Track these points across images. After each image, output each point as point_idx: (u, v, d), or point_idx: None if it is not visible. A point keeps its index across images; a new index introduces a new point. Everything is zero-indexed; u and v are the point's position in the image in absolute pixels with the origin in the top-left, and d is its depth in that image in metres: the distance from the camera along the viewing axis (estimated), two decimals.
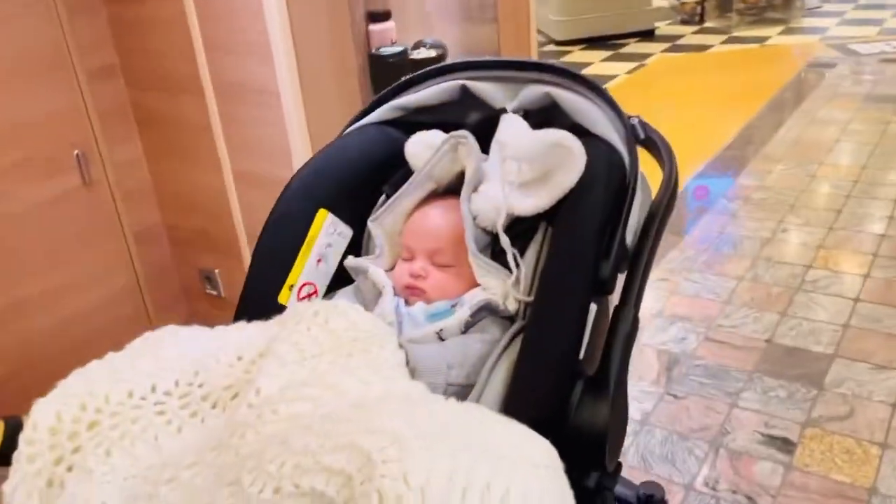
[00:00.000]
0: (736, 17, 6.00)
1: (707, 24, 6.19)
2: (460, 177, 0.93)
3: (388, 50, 2.07)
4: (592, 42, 5.88)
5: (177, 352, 0.77)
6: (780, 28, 5.82)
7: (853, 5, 6.33)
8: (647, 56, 5.45)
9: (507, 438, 0.59)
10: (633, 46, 5.78)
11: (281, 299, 0.93)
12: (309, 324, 0.77)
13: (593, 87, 0.88)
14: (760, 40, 5.56)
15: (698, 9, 6.30)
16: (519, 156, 0.85)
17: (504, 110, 0.92)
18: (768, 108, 4.11)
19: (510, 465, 0.54)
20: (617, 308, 0.79)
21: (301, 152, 1.76)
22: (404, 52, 2.08)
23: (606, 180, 0.80)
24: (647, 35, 6.00)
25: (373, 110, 1.02)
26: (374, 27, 2.16)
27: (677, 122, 3.71)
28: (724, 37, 5.78)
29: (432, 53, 2.18)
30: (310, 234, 0.94)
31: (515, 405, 0.74)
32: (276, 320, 0.82)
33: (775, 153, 3.47)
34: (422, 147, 0.96)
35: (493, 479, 0.52)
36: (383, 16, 2.16)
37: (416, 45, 2.26)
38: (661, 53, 5.51)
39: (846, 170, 3.21)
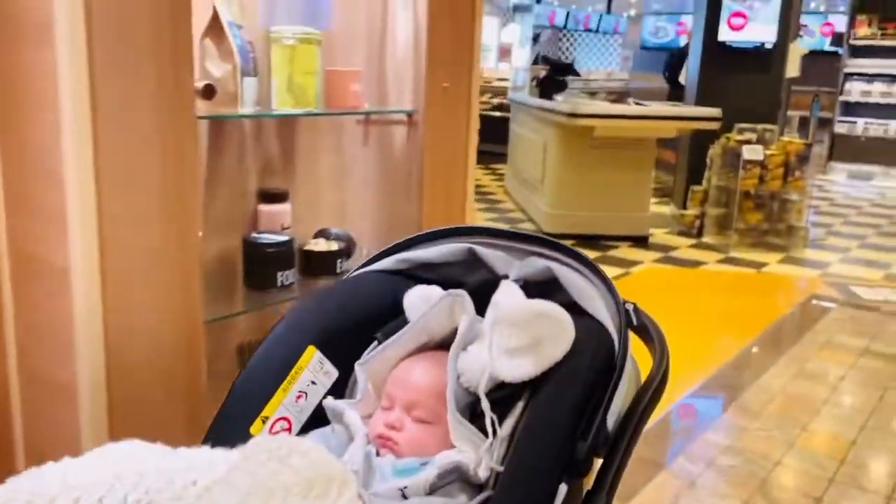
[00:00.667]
0: (735, 237, 5.75)
1: (705, 240, 5.95)
2: (453, 334, 0.94)
3: (269, 237, 1.71)
4: (583, 240, 5.62)
5: (133, 467, 0.75)
6: (780, 256, 5.54)
7: (859, 243, 6.09)
8: (635, 264, 5.15)
9: None
10: (624, 251, 5.50)
11: (253, 430, 0.92)
12: (270, 457, 0.77)
13: (593, 269, 0.91)
14: (758, 266, 5.26)
15: (697, 222, 6.09)
16: (510, 321, 0.85)
17: (506, 277, 0.95)
18: (754, 345, 3.70)
19: None
20: (589, 493, 0.78)
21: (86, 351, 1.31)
22: (288, 243, 1.71)
23: (591, 360, 0.82)
24: (641, 241, 5.75)
25: (380, 259, 1.05)
26: (264, 207, 1.81)
27: None
28: (721, 256, 5.50)
29: (333, 246, 1.82)
30: (295, 368, 0.95)
31: None
32: (239, 449, 0.80)
33: (754, 405, 3.00)
34: (419, 300, 0.97)
35: None
36: (278, 196, 1.82)
37: (320, 233, 1.91)
38: (651, 263, 5.20)
39: (832, 443, 2.72)
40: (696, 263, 5.28)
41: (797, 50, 6.08)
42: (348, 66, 1.87)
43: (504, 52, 12.94)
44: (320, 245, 1.79)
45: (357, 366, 0.98)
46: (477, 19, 1.97)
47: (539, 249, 0.96)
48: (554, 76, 5.99)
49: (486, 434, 0.86)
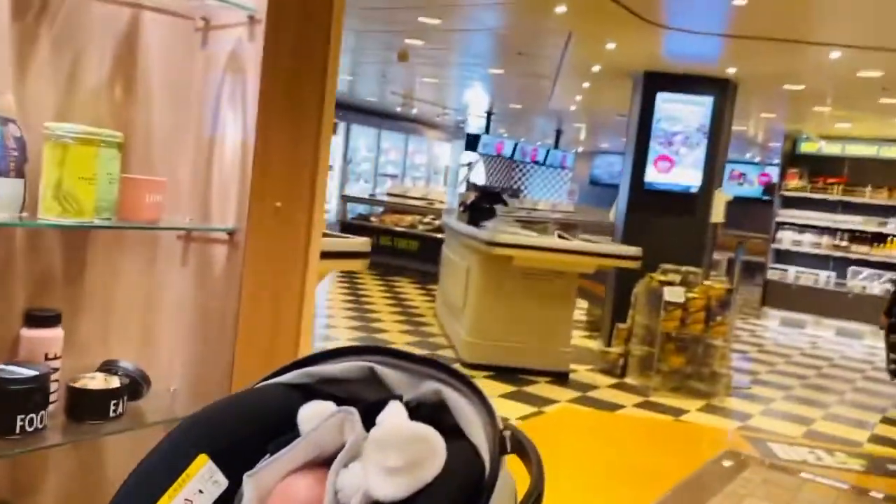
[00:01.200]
0: (658, 379, 5.56)
1: (627, 380, 5.74)
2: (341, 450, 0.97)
3: (14, 370, 1.42)
4: (501, 372, 5.37)
5: None
6: (701, 403, 5.33)
7: (784, 394, 5.94)
8: (550, 402, 4.88)
9: None
10: (542, 387, 5.24)
11: None
12: None
13: (479, 395, 0.93)
14: (677, 412, 5.04)
15: (621, 361, 5.90)
16: (387, 442, 0.88)
17: (401, 398, 0.96)
18: None
19: None
20: None
21: None
22: (41, 378, 1.42)
23: (458, 484, 0.84)
24: (562, 378, 5.51)
25: (283, 373, 1.06)
26: (26, 333, 1.53)
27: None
28: (640, 399, 5.27)
29: (113, 383, 1.54)
30: (182, 475, 0.95)
31: None
32: None
33: None
34: (312, 415, 0.98)
35: None
36: (46, 320, 1.54)
37: (105, 366, 1.62)
38: (567, 402, 4.94)
39: None
40: (613, 406, 5.04)
41: (721, 197, 6.16)
42: (172, 174, 1.66)
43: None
44: (95, 381, 1.50)
45: (245, 477, 0.97)
46: (324, 133, 1.79)
47: (433, 372, 0.99)
48: (481, 203, 5.93)
49: None
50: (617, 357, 5.93)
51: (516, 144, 13.18)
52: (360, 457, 0.91)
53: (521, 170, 18.58)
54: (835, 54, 4.96)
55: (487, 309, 5.48)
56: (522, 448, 0.92)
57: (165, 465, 0.96)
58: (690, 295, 5.45)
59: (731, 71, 5.88)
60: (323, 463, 0.97)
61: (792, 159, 10.07)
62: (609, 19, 4.79)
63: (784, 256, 9.89)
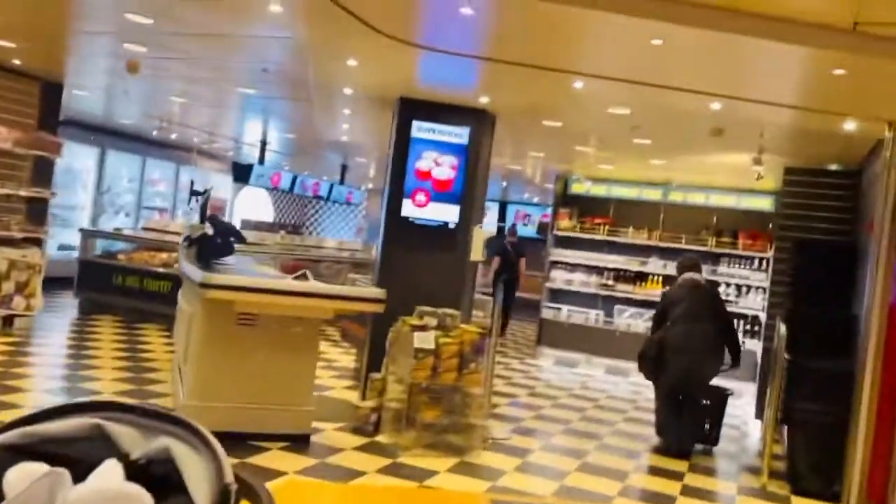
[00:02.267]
0: (411, 436, 4.98)
1: (379, 439, 5.10)
2: None
3: None
4: (228, 440, 4.47)
5: None
6: (454, 461, 4.82)
7: (542, 443, 5.61)
8: (273, 475, 4.09)
9: None
10: (273, 456, 4.45)
11: None
12: None
13: (208, 445, 0.90)
14: (426, 475, 4.47)
15: (373, 417, 5.26)
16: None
17: (126, 456, 0.92)
18: None
19: None
20: None
21: None
22: None
23: None
24: (302, 441, 4.75)
25: (3, 431, 0.99)
26: None
27: None
28: (388, 462, 4.64)
29: None
30: None
31: None
32: None
33: None
34: (18, 478, 0.92)
35: None
36: None
37: None
38: (293, 475, 4.18)
39: None
40: (354, 474, 4.36)
41: (480, 233, 5.81)
42: None
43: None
44: None
45: None
46: None
47: (165, 427, 0.93)
48: (213, 239, 5.08)
49: None
50: (368, 412, 5.29)
51: (295, 178, 12.39)
52: None
53: (314, 206, 17.76)
54: (578, 83, 4.77)
55: (210, 364, 4.61)
56: (253, 498, 0.91)
57: None
58: (444, 340, 4.96)
59: (485, 100, 5.58)
60: None
61: (564, 199, 10.23)
62: (343, 31, 4.23)
63: (557, 295, 9.93)
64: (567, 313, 9.75)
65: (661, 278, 9.35)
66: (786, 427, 5.47)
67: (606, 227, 9.75)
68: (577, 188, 10.20)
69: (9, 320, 7.10)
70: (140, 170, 12.66)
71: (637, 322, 9.44)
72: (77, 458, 0.93)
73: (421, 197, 5.62)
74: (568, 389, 8.01)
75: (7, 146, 6.92)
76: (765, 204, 9.12)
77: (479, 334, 5.06)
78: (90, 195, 11.84)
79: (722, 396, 5.98)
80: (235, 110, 8.37)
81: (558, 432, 6.05)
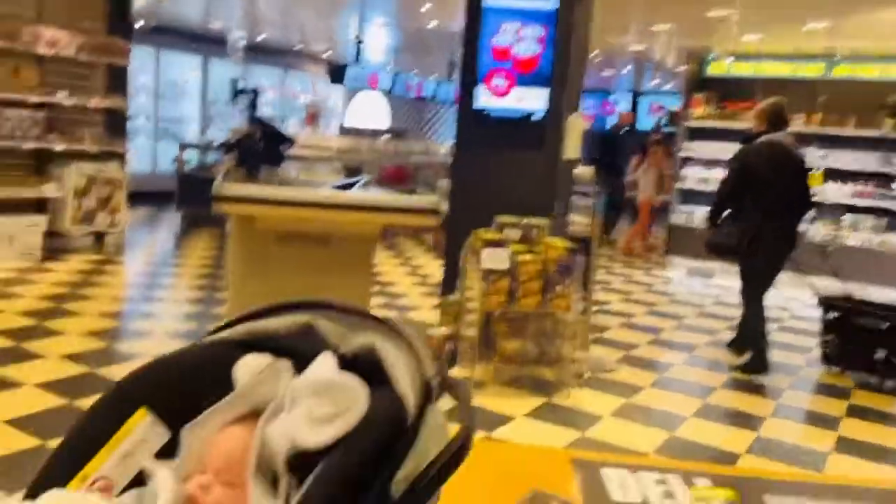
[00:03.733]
0: (489, 370, 4.18)
1: (453, 372, 4.34)
2: None
3: None
4: None
5: None
6: (537, 402, 3.97)
7: (656, 377, 4.62)
8: None
9: None
10: None
11: (70, 487, 0.93)
12: None
13: (409, 344, 0.95)
14: (496, 422, 3.66)
15: (449, 347, 4.48)
16: (311, 391, 0.91)
17: (336, 350, 0.98)
18: None
19: None
20: None
21: None
22: None
23: (378, 430, 0.86)
24: None
25: (226, 328, 1.08)
26: None
27: None
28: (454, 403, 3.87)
29: None
30: (122, 428, 0.98)
31: None
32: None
33: None
34: (246, 369, 1.02)
35: None
36: None
37: None
38: None
39: None
40: None
41: (577, 124, 4.70)
42: None
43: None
44: None
45: (183, 429, 1.00)
46: None
47: (369, 324, 0.98)
48: (255, 142, 4.36)
49: (285, 501, 0.91)
50: (443, 341, 4.52)
51: (395, 76, 11.47)
52: (288, 408, 0.95)
53: (430, 110, 16.86)
54: None
55: (248, 291, 3.97)
56: (455, 393, 0.93)
57: (105, 421, 0.98)
58: (523, 258, 4.02)
59: None
60: (258, 415, 1.00)
61: (699, 83, 8.68)
62: None
63: (690, 197, 8.59)
64: (703, 218, 8.40)
65: (821, 172, 7.77)
66: None
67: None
68: (715, 69, 8.61)
69: (99, 237, 6.92)
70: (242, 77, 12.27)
71: None
72: (293, 352, 1.00)
73: (499, 81, 4.56)
74: (698, 306, 6.86)
75: (70, 52, 6.50)
76: None
77: (567, 250, 4.07)
78: (197, 106, 11.61)
79: None
80: (333, 5, 7.51)
81: (679, 362, 5.02)
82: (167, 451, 1.00)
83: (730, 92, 8.41)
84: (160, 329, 4.79)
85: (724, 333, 5.73)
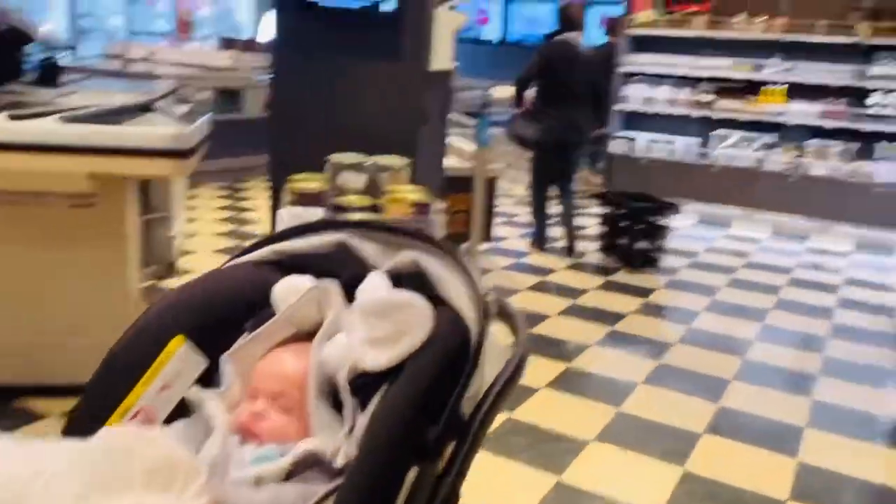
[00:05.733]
0: None
1: None
2: (321, 325, 0.99)
3: None
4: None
5: None
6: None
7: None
8: None
9: None
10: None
11: (112, 421, 0.92)
12: (112, 449, 0.81)
13: (458, 261, 0.95)
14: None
15: None
16: (371, 312, 0.90)
17: (376, 269, 0.99)
18: None
19: None
20: (438, 477, 0.82)
21: None
22: None
23: (445, 349, 0.86)
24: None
25: (253, 250, 1.08)
26: None
27: None
28: None
29: None
30: (159, 358, 0.96)
31: None
32: (84, 442, 0.84)
33: None
34: (288, 291, 1.01)
35: None
36: None
37: None
38: None
39: None
40: None
41: (449, 20, 3.31)
42: None
43: None
44: None
45: (223, 357, 1.00)
46: None
47: (409, 241, 0.98)
48: None
49: (352, 423, 0.90)
50: None
51: None
52: (345, 329, 0.93)
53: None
54: None
55: None
56: (507, 313, 0.92)
57: (139, 351, 0.96)
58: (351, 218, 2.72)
59: None
60: (303, 338, 1.00)
61: None
62: None
63: (633, 120, 7.30)
64: (646, 144, 7.15)
65: (784, 88, 6.54)
66: None
67: (705, 18, 6.81)
68: None
69: None
70: None
71: (746, 153, 6.76)
72: (332, 272, 0.99)
73: None
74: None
75: None
76: None
77: (415, 204, 2.77)
78: (65, 21, 9.88)
79: None
80: None
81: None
82: (204, 380, 0.99)
83: None
84: None
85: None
